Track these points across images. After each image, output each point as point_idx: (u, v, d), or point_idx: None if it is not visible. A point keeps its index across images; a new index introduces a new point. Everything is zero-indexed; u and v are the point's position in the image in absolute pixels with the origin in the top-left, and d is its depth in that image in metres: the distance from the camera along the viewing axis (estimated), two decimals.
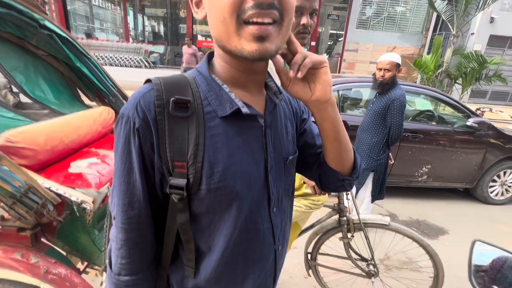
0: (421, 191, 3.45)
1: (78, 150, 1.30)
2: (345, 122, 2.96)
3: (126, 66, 10.29)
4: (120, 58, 10.38)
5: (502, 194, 3.37)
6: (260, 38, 0.40)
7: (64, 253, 1.10)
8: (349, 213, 1.49)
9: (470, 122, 3.04)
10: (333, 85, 3.04)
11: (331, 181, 0.62)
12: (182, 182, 0.44)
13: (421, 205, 3.23)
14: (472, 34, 10.13)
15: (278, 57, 0.47)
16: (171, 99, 0.44)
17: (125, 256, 0.50)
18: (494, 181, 3.31)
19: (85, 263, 1.37)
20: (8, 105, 1.28)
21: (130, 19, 11.66)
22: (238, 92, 0.49)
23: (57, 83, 1.56)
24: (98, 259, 1.11)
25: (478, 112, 5.30)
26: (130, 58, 10.44)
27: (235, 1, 0.38)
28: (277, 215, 0.56)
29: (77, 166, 1.16)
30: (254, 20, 0.39)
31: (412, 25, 11.35)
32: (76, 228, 1.05)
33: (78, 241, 1.07)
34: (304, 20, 1.03)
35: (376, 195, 2.34)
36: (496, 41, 10.63)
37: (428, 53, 8.53)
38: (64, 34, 1.40)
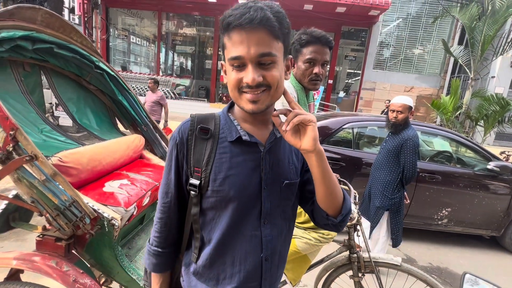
0: (442, 236, 3.27)
1: (112, 172, 1.47)
2: (359, 159, 3.03)
3: None
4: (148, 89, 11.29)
5: None
6: (254, 102, 0.61)
7: (89, 265, 1.20)
8: (360, 250, 1.48)
9: (491, 165, 2.97)
10: (350, 122, 3.16)
11: (318, 218, 0.74)
12: (196, 182, 0.66)
13: (443, 251, 3.05)
14: (493, 77, 10.10)
15: (275, 114, 0.63)
16: (198, 127, 0.68)
17: (158, 231, 0.72)
18: None
19: (103, 280, 1.45)
20: (61, 130, 1.50)
21: (162, 55, 12.87)
22: (246, 126, 0.69)
23: (101, 113, 1.79)
24: (117, 275, 1.19)
25: (503, 155, 5.12)
26: (159, 90, 11.31)
27: (236, 81, 0.61)
28: (268, 228, 0.69)
29: (110, 185, 1.31)
30: (248, 92, 0.61)
31: (429, 67, 11.56)
32: (103, 243, 1.16)
33: (103, 255, 1.17)
34: (316, 69, 1.20)
35: (397, 239, 2.27)
36: None
37: (447, 94, 8.55)
38: (112, 73, 1.66)
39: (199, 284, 0.71)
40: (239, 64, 0.60)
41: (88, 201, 1.12)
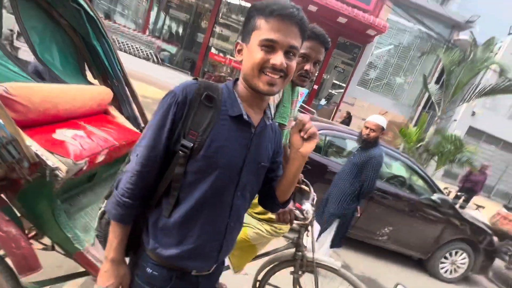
0: (379, 251, 3.56)
1: (67, 120, 1.32)
2: (325, 166, 3.13)
3: (134, 55, 10.36)
4: (132, 46, 10.48)
5: (451, 272, 3.53)
6: (271, 84, 0.70)
7: (19, 215, 1.08)
8: (307, 251, 1.54)
9: (435, 196, 3.28)
10: (325, 129, 3.24)
11: (268, 200, 0.94)
12: (189, 144, 0.68)
13: (377, 264, 3.33)
14: (455, 120, 11.12)
15: (301, 120, 0.75)
16: (205, 93, 0.70)
17: (133, 183, 0.71)
18: (446, 258, 3.49)
19: (32, 233, 1.33)
20: (16, 59, 1.31)
21: (153, 13, 11.97)
22: (245, 106, 0.75)
23: (67, 53, 1.60)
24: (50, 230, 1.09)
25: (445, 191, 5.68)
26: (141, 49, 10.56)
27: (262, 61, 0.68)
28: (239, 199, 0.78)
29: (62, 134, 1.18)
30: (268, 74, 0.69)
31: (406, 97, 12.34)
32: (40, 193, 1.05)
33: (38, 206, 1.06)
34: (307, 66, 1.18)
35: (336, 242, 2.41)
36: (474, 132, 11.68)
37: (414, 125, 9.21)
38: (91, 13, 1.49)
39: (164, 239, 0.73)
40: (270, 46, 0.67)
41: (32, 144, 0.99)
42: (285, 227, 1.42)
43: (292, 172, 0.81)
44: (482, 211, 5.38)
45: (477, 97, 7.11)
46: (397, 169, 3.89)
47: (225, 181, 0.73)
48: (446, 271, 3.52)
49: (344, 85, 12.03)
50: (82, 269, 1.16)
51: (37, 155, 0.96)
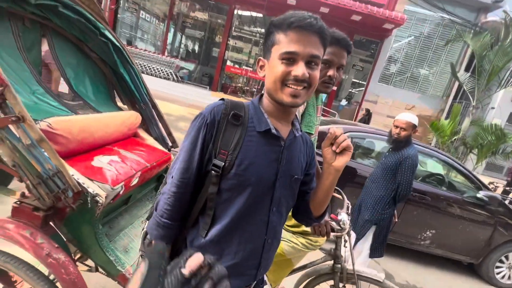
0: (422, 256, 3.31)
1: (103, 146, 1.40)
2: (354, 169, 3.01)
3: (155, 76, 10.91)
4: (152, 68, 11.07)
5: (509, 277, 3.18)
6: (294, 96, 0.69)
7: (65, 240, 1.14)
8: (345, 262, 1.46)
9: (480, 194, 3.00)
10: (350, 131, 3.13)
11: (302, 214, 0.91)
12: (220, 163, 0.69)
13: (421, 271, 3.08)
14: (493, 108, 10.24)
15: (335, 132, 0.73)
16: (232, 112, 0.72)
17: (170, 204, 0.73)
18: (502, 262, 3.15)
19: (78, 255, 1.40)
20: (54, 94, 1.42)
21: (170, 35, 12.59)
22: (272, 120, 0.75)
23: (99, 84, 1.71)
24: (94, 253, 1.14)
25: (491, 186, 5.20)
26: (162, 70, 11.10)
27: (284, 74, 0.68)
28: (275, 215, 0.77)
29: (99, 160, 1.25)
30: (291, 86, 0.68)
31: (433, 89, 11.63)
32: (83, 219, 1.10)
33: (82, 231, 1.12)
34: (331, 72, 1.15)
35: (375, 251, 2.27)
36: None
37: (446, 118, 8.63)
38: (117, 44, 1.58)
39: None
40: (291, 58, 0.67)
41: (74, 173, 1.05)
42: (321, 240, 1.36)
43: (326, 186, 0.79)
44: None
45: None
46: (433, 166, 3.64)
47: (259, 197, 0.73)
48: (503, 277, 3.17)
49: (364, 83, 11.66)
50: None
51: (79, 183, 1.02)
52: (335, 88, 11.19)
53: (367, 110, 9.59)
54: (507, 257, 3.13)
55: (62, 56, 1.54)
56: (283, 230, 1.38)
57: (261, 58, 0.75)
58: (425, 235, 3.05)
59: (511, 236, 3.06)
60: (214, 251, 0.74)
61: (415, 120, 2.15)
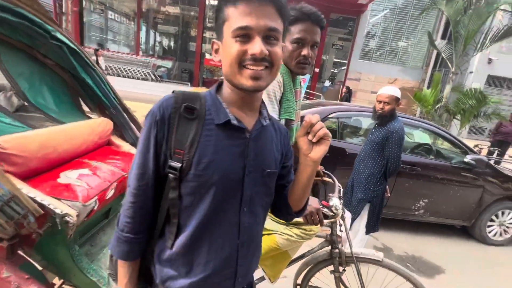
0: (418, 225, 3.37)
1: (71, 160, 1.29)
2: (343, 150, 2.99)
3: (133, 78, 10.52)
4: (129, 70, 10.65)
5: (501, 234, 3.29)
6: (255, 78, 0.60)
7: (40, 268, 1.04)
8: (342, 245, 1.44)
9: (467, 158, 3.05)
10: (335, 112, 3.08)
11: (281, 210, 0.83)
12: (177, 164, 0.61)
13: (418, 240, 3.15)
14: (471, 72, 10.46)
15: (310, 120, 0.63)
16: (183, 105, 0.62)
17: (130, 216, 0.65)
18: (492, 220, 3.25)
19: (60, 282, 1.30)
20: (7, 110, 1.28)
21: (142, 33, 12.09)
22: (234, 110, 0.66)
23: (59, 92, 1.57)
24: (74, 277, 1.06)
25: (476, 149, 5.34)
26: (138, 71, 10.71)
27: (239, 53, 0.58)
28: (246, 215, 0.68)
29: (67, 176, 1.14)
30: (250, 67, 0.59)
31: (413, 60, 11.75)
32: (55, 242, 1.01)
33: (57, 255, 1.02)
34: (305, 51, 1.07)
35: (371, 227, 2.28)
36: (493, 81, 10.95)
37: (428, 87, 8.76)
38: (73, 46, 1.44)
39: (171, 271, 0.67)
40: (245, 34, 0.58)
41: (36, 194, 0.95)
42: (316, 228, 1.32)
43: (304, 179, 0.71)
44: None
45: (491, 43, 6.61)
46: (419, 137, 3.67)
47: (225, 197, 0.65)
48: (495, 234, 3.28)
49: (345, 61, 11.64)
50: None
51: (42, 205, 0.92)
52: (317, 69, 11.14)
53: (347, 88, 9.63)
54: (497, 216, 3.23)
55: (12, 67, 1.39)
56: (276, 223, 1.33)
57: (215, 40, 0.65)
58: (418, 205, 3.10)
59: (499, 195, 3.15)
60: (183, 263, 0.66)
61: (397, 93, 2.11)
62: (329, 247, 1.43)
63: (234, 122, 0.64)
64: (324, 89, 11.47)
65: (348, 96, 9.46)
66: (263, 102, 0.72)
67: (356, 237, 2.33)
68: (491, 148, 6.36)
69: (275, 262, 1.37)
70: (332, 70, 12.79)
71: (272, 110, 1.10)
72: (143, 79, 10.58)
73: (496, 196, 3.15)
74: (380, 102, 2.14)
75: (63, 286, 1.17)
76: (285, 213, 0.83)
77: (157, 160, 0.63)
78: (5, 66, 1.36)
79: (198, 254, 0.66)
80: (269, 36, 0.59)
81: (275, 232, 1.30)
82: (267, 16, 0.58)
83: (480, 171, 3.10)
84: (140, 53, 11.58)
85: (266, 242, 1.30)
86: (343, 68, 11.98)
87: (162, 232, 0.68)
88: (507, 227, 3.27)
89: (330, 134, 0.64)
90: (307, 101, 4.21)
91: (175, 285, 0.66)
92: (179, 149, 0.61)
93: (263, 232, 1.35)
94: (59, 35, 1.38)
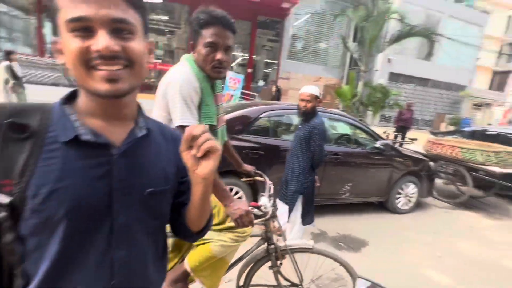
0: (345, 207, 3.81)
1: None
2: (277, 147, 3.14)
3: (42, 84, 8.85)
4: (37, 74, 8.91)
5: (406, 204, 4.00)
6: (111, 80, 0.49)
7: None
8: (285, 239, 1.50)
9: (377, 144, 3.59)
10: (267, 111, 3.21)
11: (179, 230, 0.71)
12: (5, 200, 0.47)
13: (347, 220, 3.56)
14: (376, 70, 12.38)
15: (189, 134, 0.53)
16: (9, 121, 0.48)
17: None
18: (399, 194, 3.92)
19: None
20: None
21: (47, 31, 10.27)
22: (95, 122, 0.54)
23: None
24: None
25: (385, 135, 6.33)
26: (46, 75, 9.07)
27: (80, 51, 0.47)
28: (123, 249, 0.55)
29: None
30: (101, 67, 0.48)
31: (333, 60, 13.23)
32: None
33: None
34: (219, 55, 1.06)
35: (306, 219, 2.46)
36: (394, 77, 13.24)
37: (346, 84, 9.99)
38: None
39: None
40: (84, 27, 0.47)
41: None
42: (249, 229, 1.34)
43: (197, 199, 0.60)
44: (416, 142, 6.17)
45: (388, 45, 7.95)
46: (341, 128, 4.15)
47: (84, 234, 0.51)
48: (402, 205, 3.96)
49: (276, 62, 12.30)
50: None
51: None
52: (250, 70, 11.46)
53: (276, 87, 10.21)
54: (402, 189, 3.91)
55: None
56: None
57: (56, 38, 0.53)
58: (344, 189, 3.50)
59: (402, 171, 3.81)
60: None
61: (316, 91, 2.33)
62: (266, 244, 1.48)
63: (87, 137, 0.52)
64: (259, 89, 11.89)
65: (278, 94, 10.02)
66: (140, 108, 0.62)
67: (294, 228, 2.48)
68: (396, 133, 7.66)
69: (212, 272, 1.33)
70: (264, 70, 13.37)
71: (191, 116, 1.06)
72: (53, 84, 9.02)
73: (401, 173, 3.80)
74: (302, 100, 2.31)
75: None
76: (183, 235, 0.72)
77: None
78: None
79: None
80: (119, 29, 0.49)
81: (209, 241, 1.26)
82: (109, 5, 0.47)
83: (388, 154, 3.69)
84: (46, 54, 9.84)
85: (201, 253, 1.26)
86: (274, 68, 12.65)
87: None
88: (410, 197, 4.00)
89: (218, 147, 0.55)
90: (244, 101, 4.28)
91: None
92: (6, 180, 0.47)
93: (198, 243, 1.30)
94: None
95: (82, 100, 0.55)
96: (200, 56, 1.08)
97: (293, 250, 1.49)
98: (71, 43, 0.47)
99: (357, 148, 3.63)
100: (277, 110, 3.40)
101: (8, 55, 6.94)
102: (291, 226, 2.50)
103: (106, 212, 0.53)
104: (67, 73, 9.46)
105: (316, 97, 2.33)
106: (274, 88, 9.75)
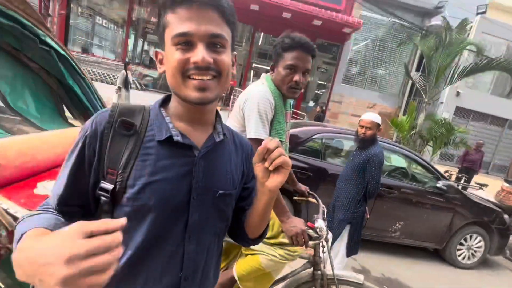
0: (393, 247, 3.47)
1: (50, 169, 1.22)
2: (326, 170, 3.07)
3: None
4: (114, 76, 10.42)
5: (469, 258, 3.46)
6: (201, 89, 0.55)
7: (3, 287, 0.95)
8: (324, 266, 1.44)
9: (439, 184, 3.23)
10: (320, 133, 3.19)
11: (238, 236, 0.75)
12: (109, 186, 0.54)
13: (394, 262, 3.22)
14: (442, 103, 11.31)
15: (266, 144, 0.55)
16: (119, 120, 0.56)
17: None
18: (462, 244, 3.42)
19: None
20: None
21: (131, 41, 11.99)
22: (182, 125, 0.61)
23: (43, 98, 1.51)
24: None
25: (447, 174, 5.68)
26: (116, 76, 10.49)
27: (181, 62, 0.54)
28: (193, 243, 0.60)
29: (44, 187, 1.08)
30: (195, 77, 0.55)
31: (390, 88, 12.54)
32: None
33: None
34: (296, 77, 1.13)
35: (351, 249, 2.31)
36: (461, 112, 11.90)
37: (404, 114, 9.33)
38: (62, 52, 1.41)
39: None
40: (186, 41, 0.54)
41: (9, 206, 0.89)
42: (300, 249, 1.33)
43: (260, 208, 0.63)
44: (486, 189, 5.36)
45: (459, 78, 7.26)
46: (396, 161, 3.86)
47: (165, 225, 0.57)
48: (464, 258, 3.44)
49: (329, 84, 12.18)
50: None
51: (16, 218, 0.86)
52: (302, 90, 11.53)
53: (321, 108, 10.11)
54: (466, 240, 3.41)
55: None
56: (260, 243, 1.32)
57: (158, 50, 0.61)
58: (395, 227, 3.20)
59: (468, 219, 3.34)
60: None
61: (378, 120, 2.24)
62: (312, 269, 1.43)
63: (177, 138, 0.58)
64: (309, 109, 11.84)
65: (322, 115, 9.94)
66: (219, 115, 0.67)
67: (337, 258, 2.35)
68: (459, 175, 6.79)
69: (256, 284, 1.34)
70: (316, 92, 13.31)
71: (264, 130, 1.13)
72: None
73: (465, 221, 3.33)
74: (362, 127, 2.25)
75: None
76: (240, 239, 0.75)
77: (84, 181, 0.55)
78: None
79: (134, 287, 0.57)
80: (214, 43, 0.55)
81: (259, 253, 1.29)
82: (209, 22, 0.54)
83: (450, 196, 3.29)
84: (127, 60, 11.42)
85: (249, 263, 1.28)
86: (324, 90, 12.52)
87: None
88: (475, 251, 3.45)
89: (289, 163, 0.56)
90: (293, 120, 4.33)
91: None
92: (112, 169, 0.54)
93: (247, 252, 1.34)
94: (49, 40, 1.36)
95: (173, 104, 0.62)
96: (279, 76, 1.17)
97: (341, 282, 1.42)
98: (174, 55, 0.54)
99: (413, 184, 3.32)
100: (330, 133, 3.35)
101: (126, 65, 8.28)
102: (333, 256, 2.37)
103: (185, 208, 0.58)
104: (141, 78, 10.79)
105: (378, 125, 2.24)
106: (318, 109, 9.70)
